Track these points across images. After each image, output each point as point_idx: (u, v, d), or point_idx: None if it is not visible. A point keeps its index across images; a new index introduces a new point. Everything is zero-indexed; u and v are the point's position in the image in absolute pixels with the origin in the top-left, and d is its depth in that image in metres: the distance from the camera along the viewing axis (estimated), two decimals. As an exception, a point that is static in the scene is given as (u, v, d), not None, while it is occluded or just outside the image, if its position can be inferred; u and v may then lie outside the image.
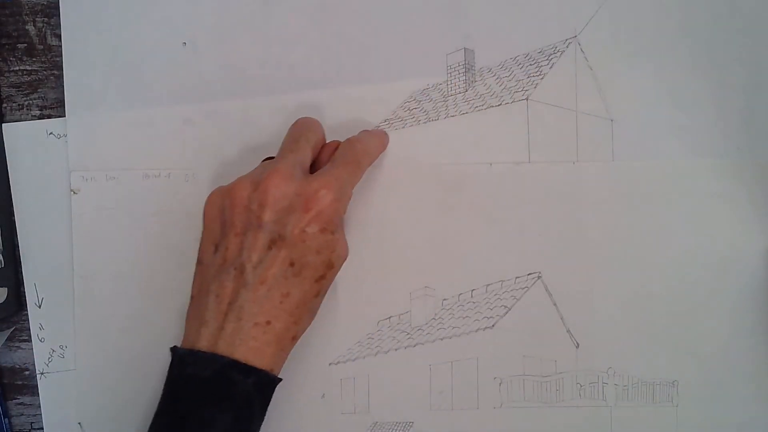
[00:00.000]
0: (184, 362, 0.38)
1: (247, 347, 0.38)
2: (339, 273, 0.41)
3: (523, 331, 0.47)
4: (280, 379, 0.40)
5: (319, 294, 0.41)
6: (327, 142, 0.45)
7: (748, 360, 0.47)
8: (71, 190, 0.47)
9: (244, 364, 0.37)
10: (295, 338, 0.41)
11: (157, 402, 0.39)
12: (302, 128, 0.44)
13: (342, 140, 0.45)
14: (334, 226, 0.40)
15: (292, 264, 0.39)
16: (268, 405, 0.40)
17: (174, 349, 0.40)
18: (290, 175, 0.40)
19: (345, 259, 0.42)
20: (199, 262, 0.42)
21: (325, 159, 0.44)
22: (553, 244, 0.47)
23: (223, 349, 0.38)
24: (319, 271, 0.40)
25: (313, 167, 0.44)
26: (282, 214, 0.39)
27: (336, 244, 0.40)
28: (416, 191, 0.47)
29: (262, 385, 0.38)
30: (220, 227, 0.41)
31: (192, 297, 0.42)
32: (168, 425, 0.38)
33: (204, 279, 0.41)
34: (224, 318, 0.38)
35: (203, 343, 0.38)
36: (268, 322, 0.39)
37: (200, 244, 0.42)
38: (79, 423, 0.47)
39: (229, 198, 0.40)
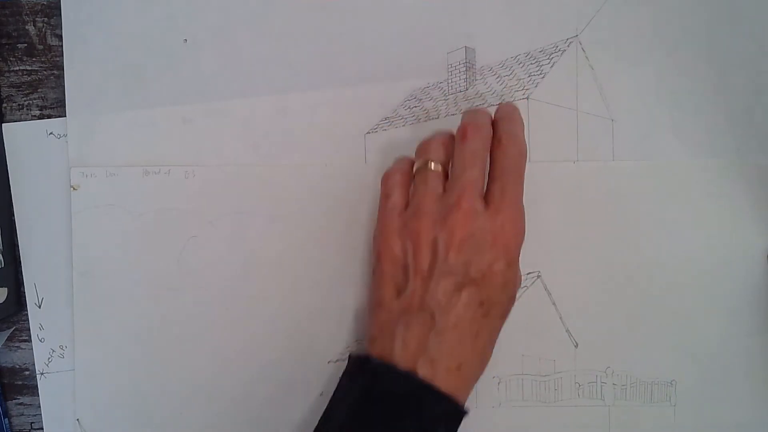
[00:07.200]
0: (377, 374, 0.38)
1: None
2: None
3: (522, 331, 0.47)
4: (467, 412, 0.38)
5: (501, 329, 0.40)
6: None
7: (746, 360, 0.47)
8: (71, 186, 0.47)
9: (438, 390, 0.37)
10: (478, 377, 0.40)
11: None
12: (474, 147, 0.40)
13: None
14: (516, 260, 0.39)
15: (481, 304, 0.38)
16: None
17: (366, 360, 0.39)
18: (474, 210, 0.38)
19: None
20: (378, 304, 0.40)
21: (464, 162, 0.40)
22: (552, 243, 0.47)
23: None
24: (505, 307, 0.40)
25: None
26: (469, 254, 0.38)
27: (517, 276, 0.40)
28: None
29: (450, 414, 0.37)
30: (402, 270, 0.40)
31: (372, 338, 0.40)
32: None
33: (387, 322, 0.39)
34: (415, 364, 0.37)
35: None
36: (459, 367, 0.38)
37: (378, 285, 0.41)
38: (78, 420, 0.47)
39: (411, 239, 0.39)
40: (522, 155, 0.41)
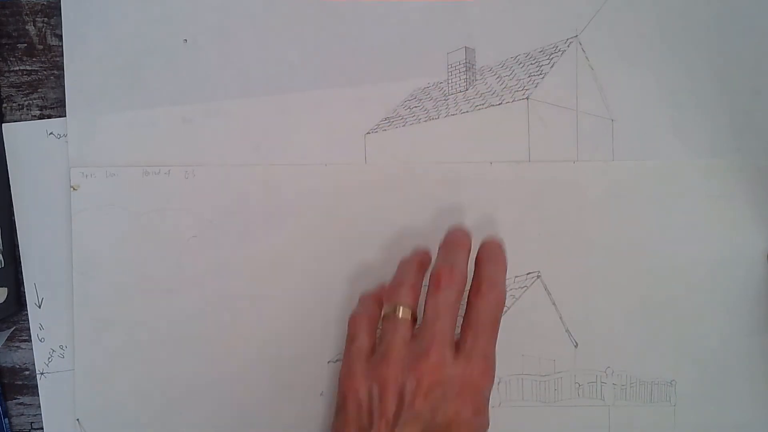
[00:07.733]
0: None
1: None
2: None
3: (522, 331, 0.47)
4: None
5: None
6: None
7: (745, 360, 0.47)
8: (71, 186, 0.47)
9: None
10: None
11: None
12: (447, 298, 0.40)
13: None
14: (485, 407, 0.39)
15: None
16: None
17: None
18: (442, 361, 0.38)
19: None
20: None
21: (436, 311, 0.40)
22: (552, 243, 0.47)
23: None
24: None
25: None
26: (436, 401, 0.37)
27: (485, 424, 0.39)
28: (416, 190, 0.47)
29: None
30: (367, 413, 0.38)
31: None
32: None
33: None
34: None
35: None
36: None
37: (341, 427, 0.40)
38: (78, 420, 0.47)
39: (378, 384, 0.38)
40: (500, 305, 0.41)
